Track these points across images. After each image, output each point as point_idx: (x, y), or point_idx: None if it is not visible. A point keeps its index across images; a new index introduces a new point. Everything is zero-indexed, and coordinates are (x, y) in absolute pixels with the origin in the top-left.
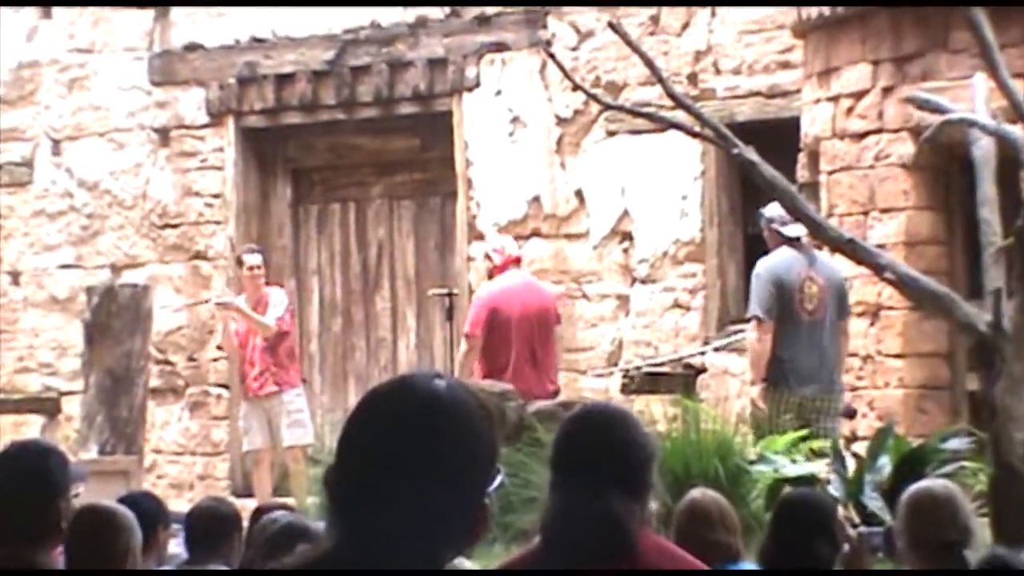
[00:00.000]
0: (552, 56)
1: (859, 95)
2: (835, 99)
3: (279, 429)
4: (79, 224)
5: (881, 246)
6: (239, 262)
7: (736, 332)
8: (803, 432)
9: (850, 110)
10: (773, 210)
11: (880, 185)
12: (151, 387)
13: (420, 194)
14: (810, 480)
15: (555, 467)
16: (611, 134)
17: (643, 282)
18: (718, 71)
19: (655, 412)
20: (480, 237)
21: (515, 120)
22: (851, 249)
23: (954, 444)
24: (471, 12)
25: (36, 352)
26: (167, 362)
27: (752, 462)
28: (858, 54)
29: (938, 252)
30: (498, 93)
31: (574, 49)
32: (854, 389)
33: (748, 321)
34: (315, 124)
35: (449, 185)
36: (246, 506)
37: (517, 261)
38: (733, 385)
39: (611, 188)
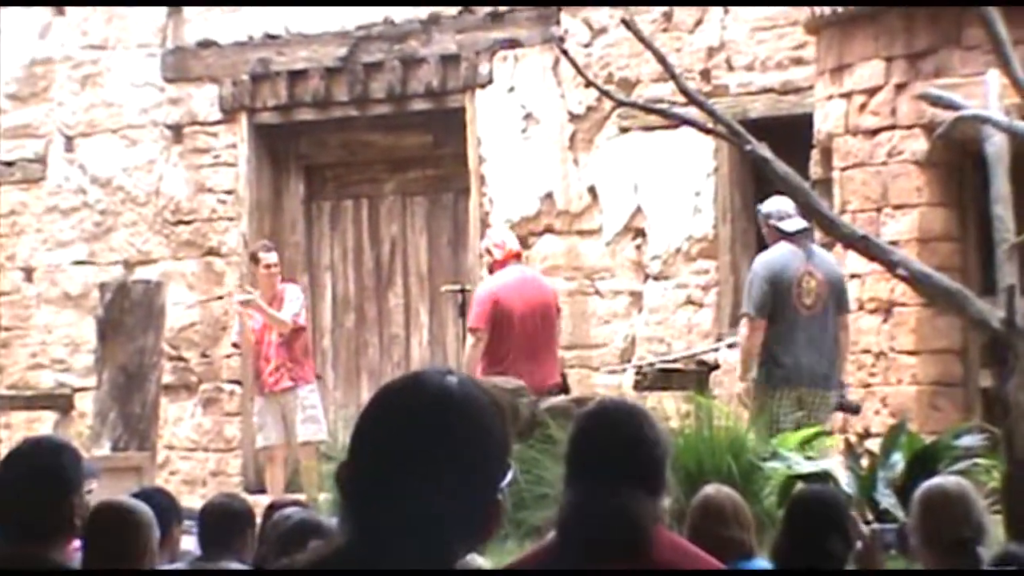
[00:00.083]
0: (565, 52)
1: (872, 91)
2: (848, 95)
3: (294, 425)
4: (92, 220)
5: (894, 242)
6: (254, 259)
7: None
8: (816, 429)
9: (863, 106)
10: (771, 205)
11: (893, 181)
12: (164, 383)
13: (433, 190)
14: (823, 477)
15: (570, 463)
16: (624, 130)
17: (656, 278)
18: (731, 67)
19: (668, 408)
20: None
21: (528, 116)
22: (864, 245)
23: (967, 441)
24: (484, 8)
25: (49, 348)
26: (180, 358)
27: (765, 459)
28: (871, 50)
29: (951, 248)
30: (511, 89)
31: (587, 45)
32: (867, 386)
33: (740, 318)
34: (328, 121)
35: (462, 181)
36: (259, 502)
37: (518, 256)
38: None
39: (624, 184)
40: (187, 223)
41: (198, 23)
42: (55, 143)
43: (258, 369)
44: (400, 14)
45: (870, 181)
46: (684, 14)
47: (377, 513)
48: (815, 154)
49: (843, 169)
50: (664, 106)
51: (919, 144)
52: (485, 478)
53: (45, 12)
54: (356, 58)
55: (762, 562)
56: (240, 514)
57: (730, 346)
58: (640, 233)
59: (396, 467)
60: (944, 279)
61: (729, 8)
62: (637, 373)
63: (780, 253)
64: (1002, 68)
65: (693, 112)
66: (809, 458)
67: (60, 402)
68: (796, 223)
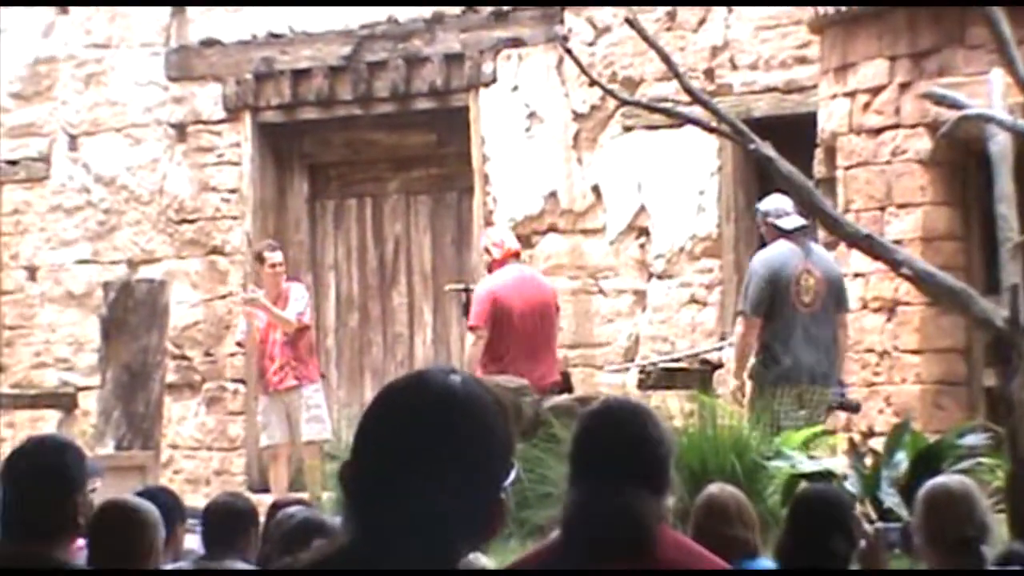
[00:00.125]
0: (569, 51)
1: (876, 91)
2: (852, 95)
3: (298, 424)
4: (96, 219)
5: (898, 242)
6: (259, 259)
7: None
8: (820, 427)
9: (867, 106)
10: (768, 204)
11: (897, 181)
12: (167, 382)
13: (437, 189)
14: (827, 476)
15: (574, 462)
16: (628, 129)
17: (660, 277)
18: (735, 67)
19: (672, 408)
20: None
21: (532, 115)
22: (868, 245)
23: (971, 440)
24: (488, 7)
25: (53, 347)
26: (184, 357)
27: (769, 458)
28: (875, 50)
29: (955, 248)
30: (515, 88)
31: (591, 44)
32: (871, 385)
33: (736, 315)
34: (332, 119)
35: (466, 180)
36: (262, 501)
37: (516, 255)
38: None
39: (628, 183)
40: (191, 222)
41: (202, 22)
42: (59, 142)
43: (262, 368)
44: (404, 13)
45: (874, 180)
46: (688, 13)
47: (380, 512)
48: (819, 153)
49: (847, 168)
50: (668, 105)
51: (923, 143)
52: (488, 477)
53: (49, 11)
54: (360, 57)
55: (766, 561)
56: (244, 513)
57: (733, 345)
58: (644, 232)
59: (400, 466)
60: (948, 278)
61: (733, 7)
62: (641, 372)
63: (779, 251)
64: (1006, 67)
65: (697, 111)
66: (812, 457)
67: (64, 401)
68: (794, 221)
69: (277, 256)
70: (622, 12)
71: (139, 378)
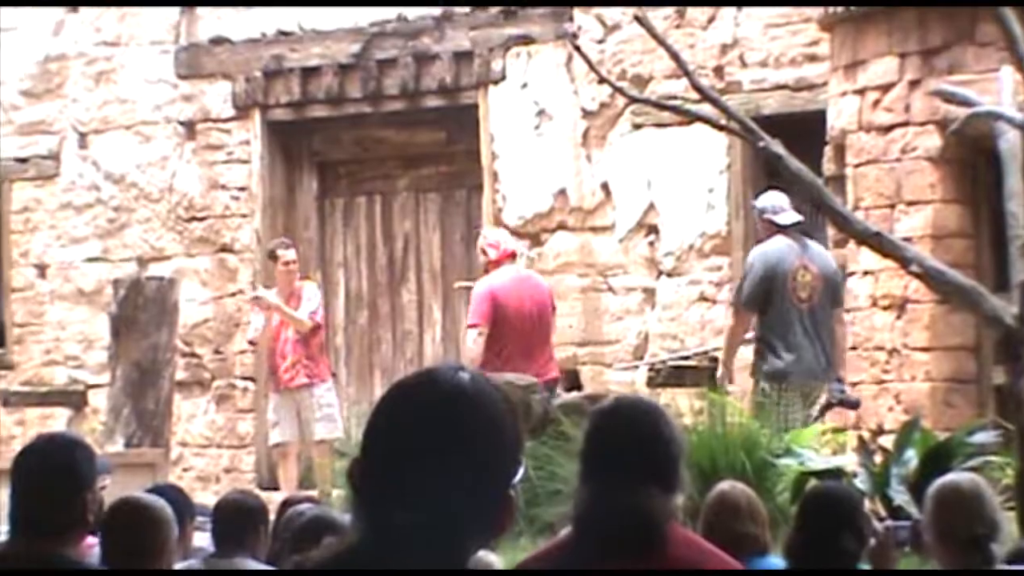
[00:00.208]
0: (578, 49)
1: (886, 88)
2: (861, 92)
3: (308, 422)
4: (106, 217)
5: (907, 239)
6: (272, 257)
7: None
8: (830, 425)
9: (876, 103)
10: (765, 200)
11: (907, 178)
12: (177, 380)
13: (446, 187)
14: (836, 473)
15: (585, 460)
16: (637, 127)
17: (669, 275)
18: (744, 64)
19: (681, 405)
20: (505, 230)
21: (541, 113)
22: (877, 242)
23: (981, 437)
24: (497, 5)
25: (62, 345)
26: (193, 355)
27: (778, 455)
28: (884, 47)
29: (965, 245)
30: (524, 86)
31: (600, 42)
32: (880, 382)
33: (730, 306)
34: (341, 117)
35: (475, 178)
36: (272, 499)
37: (512, 256)
38: None
39: (637, 181)
40: (200, 220)
41: (211, 20)
42: (69, 140)
43: (273, 365)
44: (413, 11)
45: (883, 177)
46: (697, 10)
47: (390, 510)
48: (828, 150)
49: (856, 165)
50: (677, 103)
51: (933, 140)
52: (498, 474)
53: (59, 9)
54: (369, 55)
55: (776, 559)
56: (254, 510)
57: (745, 342)
58: (653, 229)
59: (409, 464)
60: (958, 275)
61: (743, 5)
62: (650, 370)
63: (776, 247)
64: (1016, 64)
65: (706, 109)
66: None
67: (73, 398)
68: (790, 216)
69: (291, 254)
70: (631, 10)
71: (149, 376)
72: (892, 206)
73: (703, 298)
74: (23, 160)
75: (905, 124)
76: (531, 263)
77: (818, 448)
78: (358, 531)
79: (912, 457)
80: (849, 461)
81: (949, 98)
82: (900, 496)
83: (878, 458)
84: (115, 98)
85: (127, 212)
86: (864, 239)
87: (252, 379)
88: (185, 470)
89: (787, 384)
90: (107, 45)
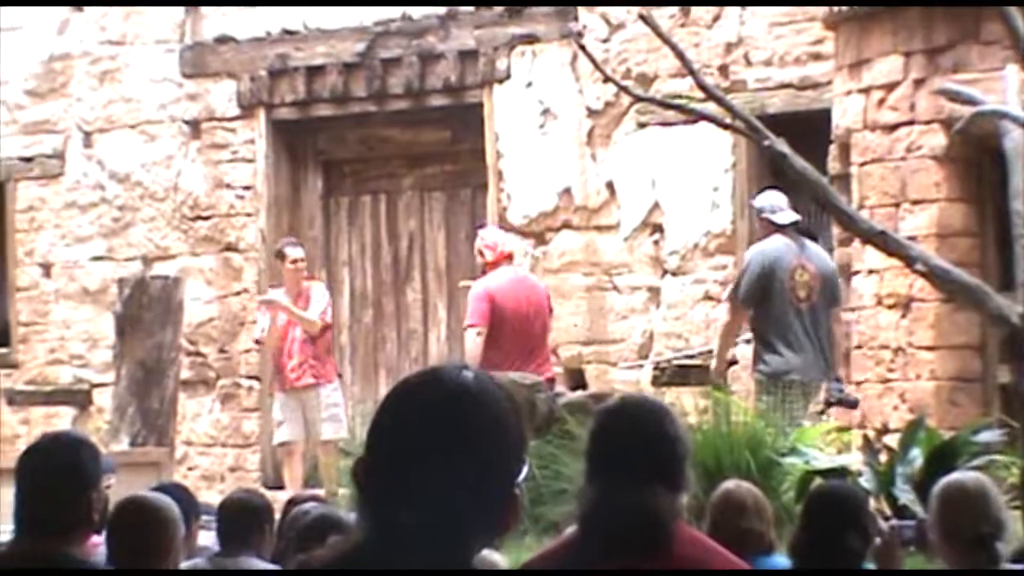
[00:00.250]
0: (583, 48)
1: (890, 87)
2: (866, 91)
3: (314, 423)
4: (110, 216)
5: (912, 238)
6: (280, 256)
7: None
8: (835, 424)
9: (881, 102)
10: (763, 200)
11: (911, 177)
12: (182, 379)
13: (451, 186)
14: (841, 472)
15: (591, 459)
16: (642, 126)
17: (674, 274)
18: (749, 63)
19: (686, 404)
20: (510, 229)
21: (546, 112)
22: (883, 241)
23: (986, 437)
24: (501, 5)
25: (67, 344)
26: (198, 354)
27: (783, 454)
28: (889, 46)
29: (970, 244)
30: (529, 85)
31: (605, 41)
32: (885, 381)
33: (727, 300)
34: (346, 116)
35: (480, 177)
36: (277, 498)
37: (509, 257)
38: None
39: (642, 180)
40: (205, 219)
41: (216, 19)
42: (73, 139)
43: (280, 365)
44: (418, 10)
45: (888, 176)
46: (702, 9)
47: (394, 508)
48: (833, 149)
49: (861, 164)
50: (682, 102)
51: (937, 139)
52: (502, 473)
53: (64, 8)
54: (374, 54)
55: (782, 558)
56: (259, 509)
57: (748, 341)
58: (658, 228)
59: (413, 462)
60: (963, 275)
61: (747, 4)
62: (655, 369)
63: (774, 245)
64: (1020, 63)
65: (711, 107)
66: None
67: (78, 398)
68: (788, 216)
69: (299, 252)
70: (636, 8)
71: (154, 375)
72: (897, 205)
73: (708, 297)
74: (28, 159)
75: (910, 123)
76: (536, 262)
77: (823, 447)
78: (363, 530)
79: (917, 456)
80: (854, 460)
81: (954, 97)
82: (905, 495)
83: (883, 457)
84: (120, 97)
85: (132, 211)
86: (869, 238)
87: (257, 378)
88: (190, 469)
89: (787, 383)
90: (112, 44)
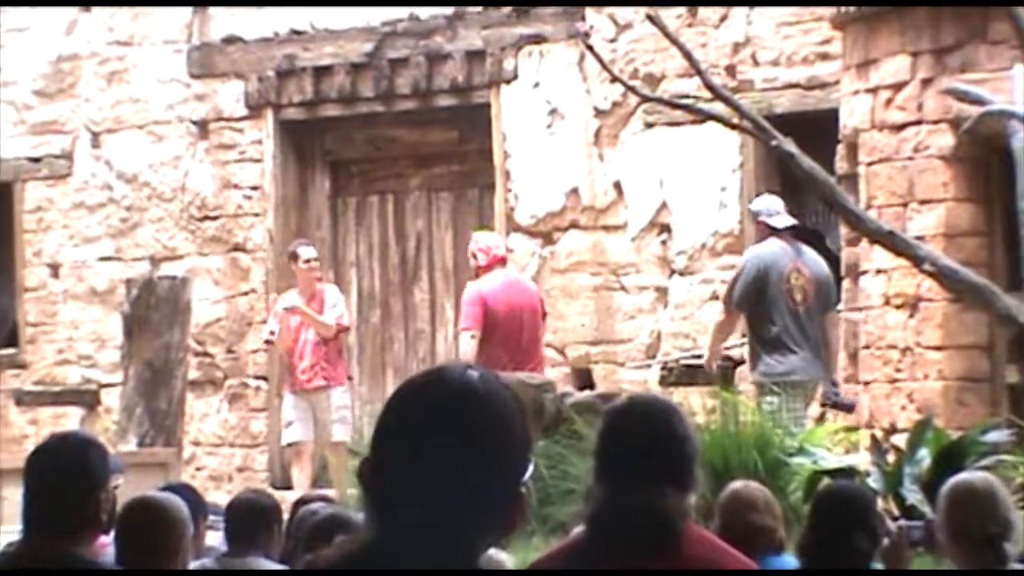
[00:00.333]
0: (590, 48)
1: (898, 87)
2: (874, 91)
3: (324, 424)
4: (118, 216)
5: (920, 238)
6: (293, 256)
7: None
8: (842, 424)
9: (889, 102)
10: (760, 203)
11: (919, 177)
12: (190, 379)
13: (458, 186)
14: (849, 472)
15: (600, 459)
16: (649, 126)
17: (681, 274)
18: (756, 63)
19: (694, 404)
20: (517, 229)
21: (553, 112)
22: (890, 241)
23: (994, 437)
24: (509, 5)
25: (75, 344)
26: (206, 354)
27: (791, 454)
28: (897, 46)
29: (978, 244)
30: (536, 85)
31: (612, 41)
32: (893, 381)
33: (723, 302)
34: (353, 116)
35: (487, 177)
36: (285, 498)
37: (502, 261)
38: None
39: (649, 180)
40: (213, 219)
41: (224, 19)
42: (81, 139)
43: (291, 366)
44: (425, 10)
45: (896, 176)
46: (709, 9)
47: (400, 508)
48: (841, 149)
49: (869, 164)
50: (689, 101)
51: (945, 139)
52: (508, 472)
53: (71, 9)
54: (381, 54)
55: (792, 558)
56: (267, 510)
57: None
58: (665, 228)
59: (418, 462)
60: (971, 274)
61: (755, 4)
62: (663, 369)
63: (770, 248)
64: None
65: (719, 107)
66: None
67: (86, 398)
68: (785, 220)
69: (311, 252)
70: (643, 8)
71: (161, 375)
72: (905, 205)
73: (715, 297)
74: (36, 160)
75: (918, 123)
76: (543, 262)
77: (831, 447)
78: (370, 530)
79: (925, 456)
80: (862, 460)
81: (962, 96)
82: (913, 495)
83: (891, 457)
84: (128, 98)
85: (140, 211)
86: (877, 238)
87: (265, 378)
88: (198, 469)
89: (786, 384)
90: (120, 45)
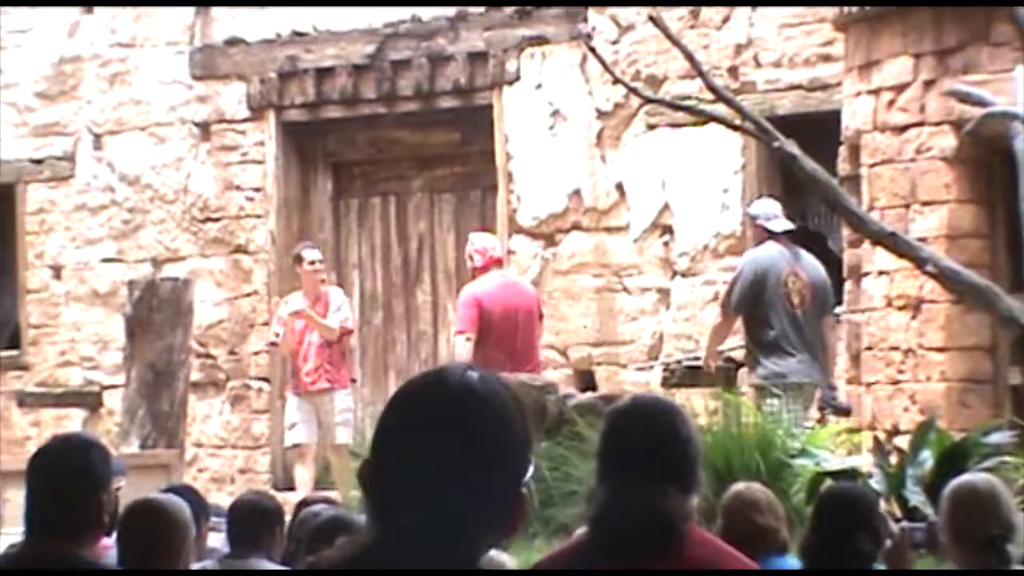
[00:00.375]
0: (592, 49)
1: (900, 88)
2: (876, 92)
3: (328, 426)
4: (120, 218)
5: (922, 239)
6: (298, 259)
7: None
8: (844, 425)
9: (891, 103)
10: (759, 207)
11: (921, 178)
12: (192, 381)
13: (460, 188)
14: (852, 474)
15: (603, 460)
16: (651, 127)
17: (684, 275)
18: (758, 64)
19: (696, 406)
20: (519, 230)
21: (555, 113)
22: (893, 242)
23: (996, 438)
24: (511, 6)
25: (78, 346)
26: (208, 356)
27: (793, 455)
28: (899, 47)
29: (980, 245)
30: (538, 87)
31: (614, 42)
32: (896, 382)
33: (720, 306)
34: (356, 118)
35: (489, 179)
36: (287, 500)
37: (499, 262)
38: None
39: (651, 181)
40: (215, 220)
41: (226, 21)
42: (83, 141)
43: (296, 367)
44: (427, 11)
45: (898, 178)
46: (711, 11)
47: (401, 509)
48: (843, 151)
49: (871, 166)
50: (692, 103)
51: (947, 141)
52: (508, 472)
53: (74, 10)
54: (384, 55)
55: (793, 560)
56: (269, 511)
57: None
58: (668, 230)
59: (418, 463)
60: (973, 276)
61: (757, 5)
62: (665, 370)
63: (767, 252)
64: None
65: (721, 109)
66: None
67: (89, 399)
68: (783, 224)
69: (315, 254)
70: (646, 10)
71: (164, 377)
72: (907, 206)
73: (718, 298)
74: (38, 161)
75: (920, 124)
76: (545, 263)
77: (833, 448)
78: (371, 531)
79: (928, 458)
80: (864, 462)
81: (964, 98)
82: (916, 497)
83: (893, 459)
84: (130, 99)
85: (142, 213)
86: (879, 239)
87: (267, 380)
88: (200, 471)
89: (785, 386)
90: (122, 46)
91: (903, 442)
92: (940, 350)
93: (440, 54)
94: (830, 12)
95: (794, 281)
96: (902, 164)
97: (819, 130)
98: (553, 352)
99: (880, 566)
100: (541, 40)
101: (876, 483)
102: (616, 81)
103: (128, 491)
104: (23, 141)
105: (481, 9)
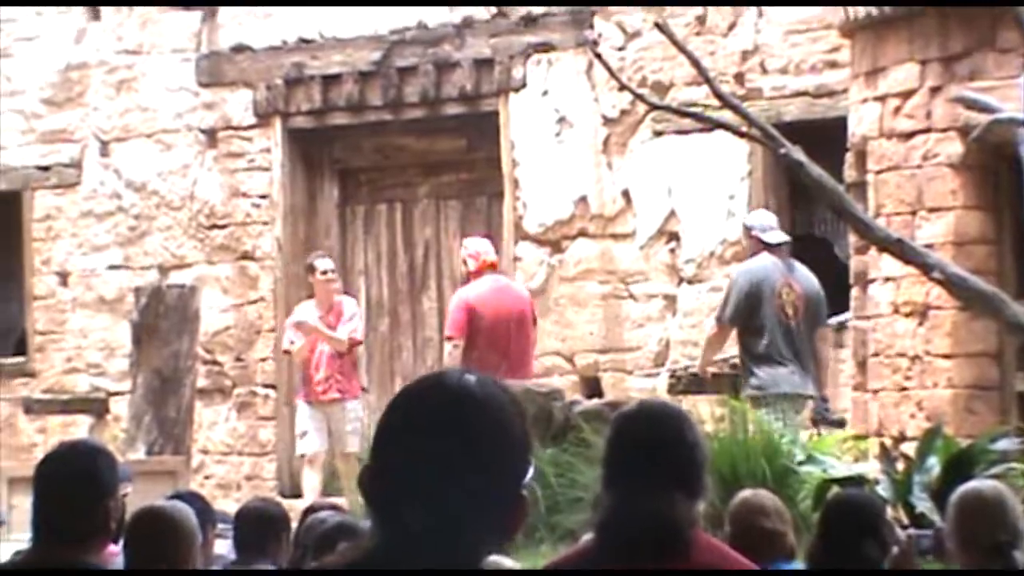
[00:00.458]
0: (599, 56)
1: (907, 95)
2: (882, 99)
3: (339, 435)
4: (127, 225)
5: (929, 246)
6: (311, 269)
7: None
8: (851, 432)
9: (897, 110)
10: (754, 218)
11: (928, 185)
12: (198, 387)
13: (467, 194)
14: (858, 481)
15: (609, 465)
16: (658, 134)
17: (690, 282)
18: (765, 71)
19: (702, 412)
20: (526, 237)
21: (561, 120)
22: (899, 249)
23: (1003, 445)
24: (517, 12)
25: (84, 353)
26: (214, 362)
27: (800, 462)
28: (905, 53)
29: (987, 252)
30: (544, 93)
31: (620, 49)
32: (902, 389)
33: (715, 320)
34: (362, 125)
35: (495, 185)
36: (293, 506)
37: (492, 266)
38: None
39: (658, 188)
40: (221, 227)
41: (232, 28)
42: (90, 148)
43: (307, 376)
44: (433, 18)
45: (905, 184)
46: (718, 17)
47: (402, 514)
48: (849, 157)
49: (878, 172)
50: (698, 110)
51: (954, 147)
52: (507, 475)
53: (80, 17)
54: (390, 62)
55: (802, 566)
56: (275, 518)
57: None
58: (674, 237)
59: (419, 467)
60: (980, 282)
61: (763, 11)
62: (671, 377)
63: (761, 264)
64: None
65: (727, 116)
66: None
67: (95, 406)
68: (778, 235)
69: (328, 264)
70: (652, 17)
71: (170, 383)
72: (913, 213)
73: None
74: (45, 168)
75: (926, 131)
76: (552, 270)
77: (840, 455)
78: (372, 536)
79: (934, 464)
80: (871, 468)
81: (970, 104)
82: (922, 503)
83: (900, 465)
84: (136, 106)
85: (148, 220)
86: (886, 246)
87: (273, 387)
88: (206, 478)
89: (777, 396)
90: (128, 53)
91: (910, 449)
92: (947, 356)
93: (446, 61)
94: (836, 19)
95: (788, 292)
96: (908, 170)
97: (825, 137)
98: (559, 359)
99: None
100: (547, 47)
101: (883, 490)
102: (622, 88)
103: (135, 498)
104: (30, 148)
105: (487, 16)
